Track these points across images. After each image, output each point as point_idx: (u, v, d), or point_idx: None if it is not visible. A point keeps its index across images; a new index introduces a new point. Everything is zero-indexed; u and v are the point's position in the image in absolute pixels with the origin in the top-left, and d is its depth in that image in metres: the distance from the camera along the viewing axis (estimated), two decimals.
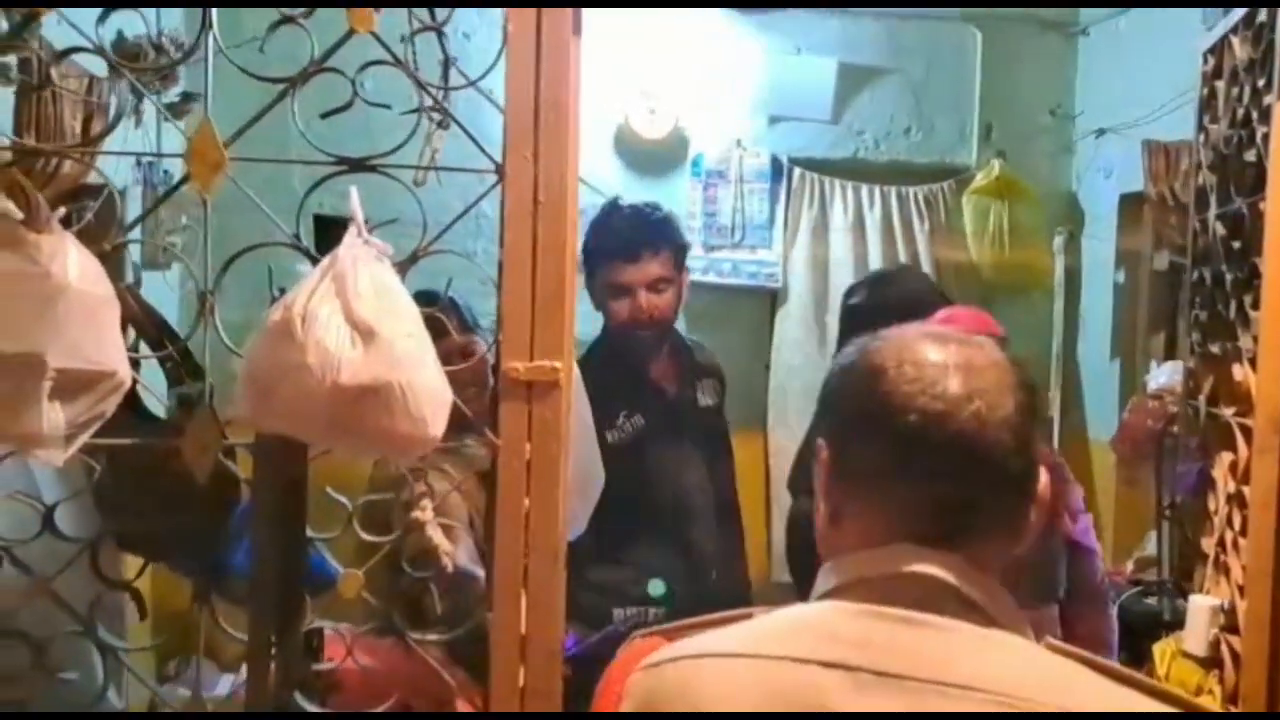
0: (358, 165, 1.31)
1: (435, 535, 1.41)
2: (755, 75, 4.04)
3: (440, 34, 1.32)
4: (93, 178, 1.86)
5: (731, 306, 4.01)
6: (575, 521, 1.55)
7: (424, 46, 1.32)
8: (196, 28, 1.27)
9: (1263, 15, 1.74)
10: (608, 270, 2.50)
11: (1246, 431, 1.71)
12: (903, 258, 4.01)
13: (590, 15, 1.35)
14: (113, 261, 1.25)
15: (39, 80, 1.45)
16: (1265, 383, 1.61)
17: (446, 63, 1.34)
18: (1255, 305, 1.69)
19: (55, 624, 1.32)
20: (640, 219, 2.54)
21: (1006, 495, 0.95)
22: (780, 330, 4.08)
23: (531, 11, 1.28)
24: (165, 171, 2.81)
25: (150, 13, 2.00)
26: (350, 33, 1.26)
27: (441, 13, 1.32)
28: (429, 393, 1.21)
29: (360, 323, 1.17)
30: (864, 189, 4.06)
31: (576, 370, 1.47)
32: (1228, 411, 1.83)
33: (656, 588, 2.46)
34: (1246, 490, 1.69)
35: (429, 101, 1.32)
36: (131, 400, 1.27)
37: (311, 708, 1.33)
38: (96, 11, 1.27)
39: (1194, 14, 2.26)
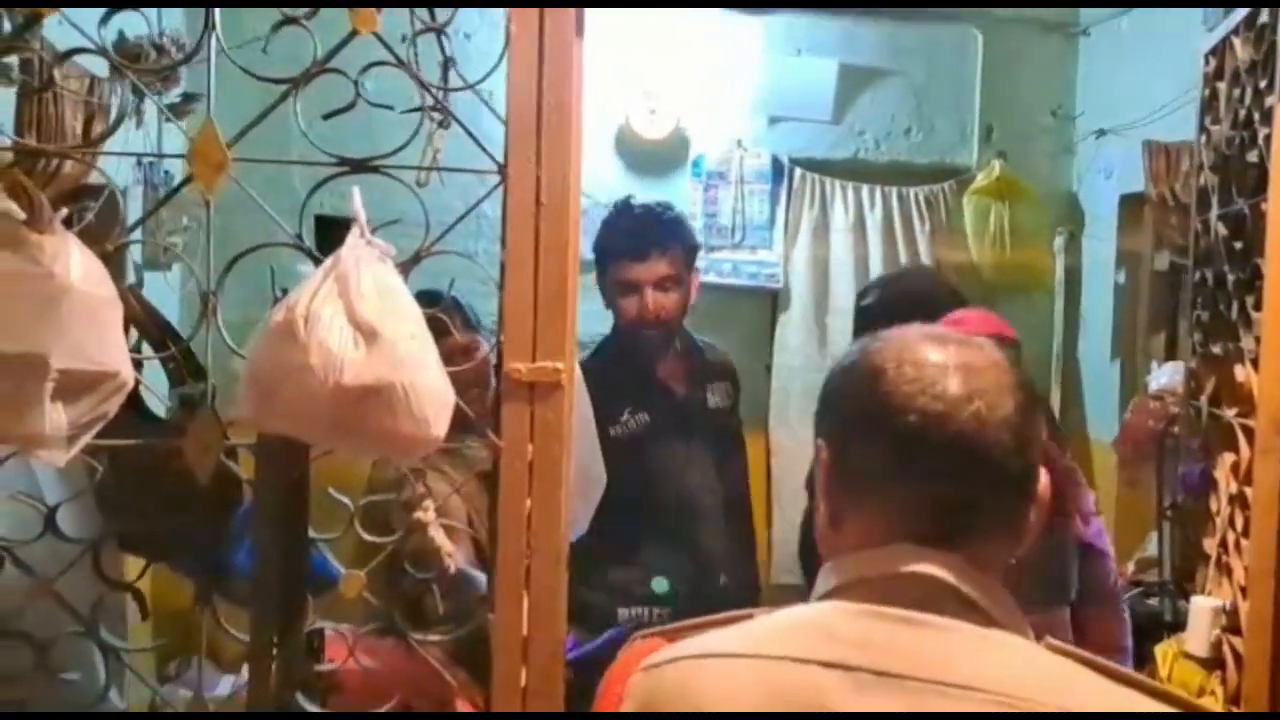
0: (360, 166, 1.31)
1: (437, 536, 1.41)
2: (756, 76, 4.04)
3: (441, 35, 1.32)
4: (94, 178, 1.86)
5: (732, 307, 4.01)
6: (576, 522, 1.55)
7: (425, 47, 1.32)
8: (198, 28, 1.27)
9: (1264, 16, 1.74)
10: (617, 268, 2.51)
11: (1248, 432, 1.71)
12: (903, 258, 4.01)
13: (591, 16, 1.35)
14: (114, 262, 1.25)
15: (41, 81, 1.45)
16: (1267, 383, 1.61)
17: (447, 63, 1.34)
18: (1257, 306, 1.69)
19: (57, 624, 1.31)
20: (651, 218, 2.56)
21: (1006, 495, 0.95)
22: (781, 331, 4.09)
23: (534, 13, 1.28)
24: (166, 172, 2.81)
25: (152, 13, 2.00)
26: (353, 33, 1.26)
27: (443, 13, 1.32)
28: (432, 393, 1.21)
29: (363, 323, 1.17)
30: (865, 189, 4.06)
31: (578, 370, 1.47)
32: (1229, 412, 1.83)
33: (660, 585, 2.45)
34: (1248, 491, 1.68)
35: (430, 102, 1.32)
36: (134, 401, 1.27)
37: (313, 708, 1.33)
38: (98, 12, 1.27)
39: (1195, 15, 2.26)
